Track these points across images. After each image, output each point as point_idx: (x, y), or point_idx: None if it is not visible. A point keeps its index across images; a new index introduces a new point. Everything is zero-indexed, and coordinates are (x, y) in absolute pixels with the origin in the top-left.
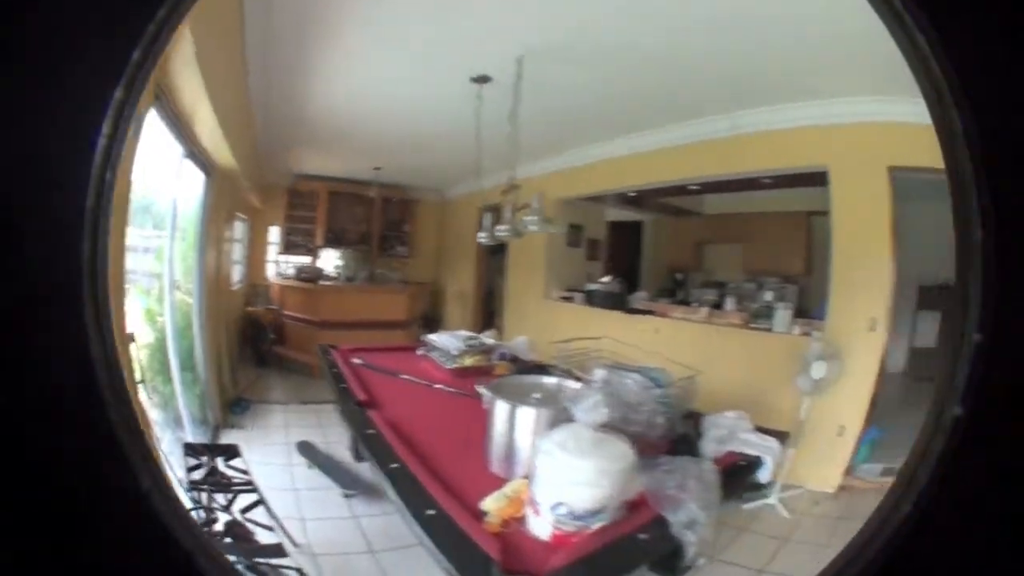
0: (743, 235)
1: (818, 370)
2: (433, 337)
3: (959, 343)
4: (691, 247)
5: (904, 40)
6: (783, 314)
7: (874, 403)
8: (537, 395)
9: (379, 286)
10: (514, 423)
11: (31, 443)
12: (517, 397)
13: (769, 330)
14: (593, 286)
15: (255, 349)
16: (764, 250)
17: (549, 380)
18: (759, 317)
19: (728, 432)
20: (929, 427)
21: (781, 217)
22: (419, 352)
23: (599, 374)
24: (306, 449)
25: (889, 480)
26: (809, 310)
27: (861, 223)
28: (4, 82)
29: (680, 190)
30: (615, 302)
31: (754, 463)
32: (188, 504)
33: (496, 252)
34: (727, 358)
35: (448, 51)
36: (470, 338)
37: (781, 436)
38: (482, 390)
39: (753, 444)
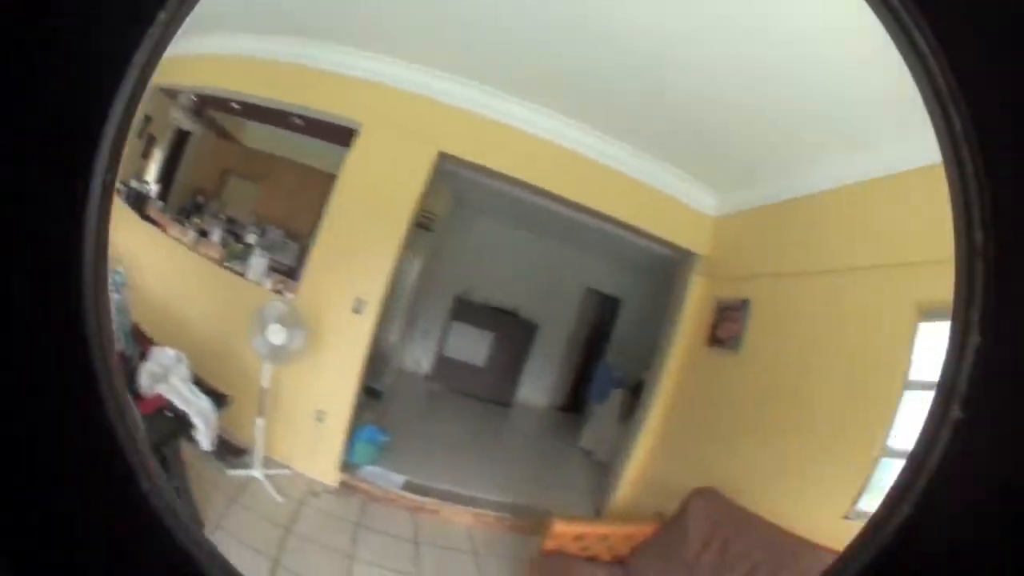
0: (265, 176)
1: (276, 335)
2: None
3: (960, 345)
4: (218, 173)
5: (902, 39)
6: (258, 262)
7: (374, 397)
8: None
9: None
10: None
11: (29, 444)
12: None
13: (243, 275)
14: (132, 184)
15: None
16: (280, 198)
17: None
18: (235, 258)
19: (163, 371)
20: (929, 429)
21: (305, 170)
22: None
23: None
24: None
25: (416, 498)
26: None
27: (379, 198)
28: (5, 84)
29: (225, 106)
30: (135, 203)
31: (183, 419)
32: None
33: None
34: (204, 292)
35: None
36: None
37: (219, 397)
38: None
39: (183, 397)
